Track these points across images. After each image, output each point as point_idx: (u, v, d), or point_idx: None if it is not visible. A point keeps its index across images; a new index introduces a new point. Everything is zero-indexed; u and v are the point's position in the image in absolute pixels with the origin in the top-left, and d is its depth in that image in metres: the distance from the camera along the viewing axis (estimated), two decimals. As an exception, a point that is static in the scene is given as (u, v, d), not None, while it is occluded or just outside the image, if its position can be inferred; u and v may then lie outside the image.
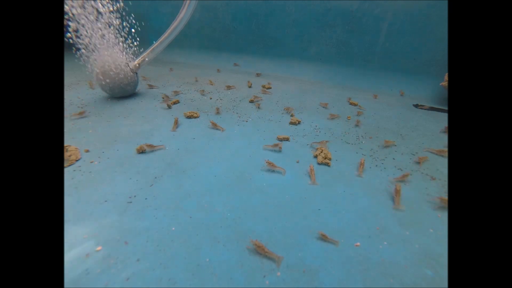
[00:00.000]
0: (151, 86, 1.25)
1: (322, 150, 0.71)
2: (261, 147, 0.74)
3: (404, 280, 0.38)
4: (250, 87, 1.28)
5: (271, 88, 1.32)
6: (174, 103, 1.05)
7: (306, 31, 1.60)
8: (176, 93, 1.18)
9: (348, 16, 1.46)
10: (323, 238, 0.43)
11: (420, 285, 0.38)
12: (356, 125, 0.92)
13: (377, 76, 1.49)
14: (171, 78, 1.43)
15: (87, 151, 0.67)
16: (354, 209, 0.52)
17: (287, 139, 0.78)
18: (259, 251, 0.40)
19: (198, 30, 1.88)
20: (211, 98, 1.14)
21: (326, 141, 0.77)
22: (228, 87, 1.28)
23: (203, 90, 1.21)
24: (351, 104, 1.14)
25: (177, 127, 0.84)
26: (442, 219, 0.51)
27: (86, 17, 0.87)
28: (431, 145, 0.80)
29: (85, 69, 1.03)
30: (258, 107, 1.04)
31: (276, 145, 0.72)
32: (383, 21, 1.39)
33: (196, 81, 1.39)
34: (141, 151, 0.67)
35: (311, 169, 0.61)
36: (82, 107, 0.95)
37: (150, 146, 0.69)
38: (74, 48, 0.92)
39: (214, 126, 0.83)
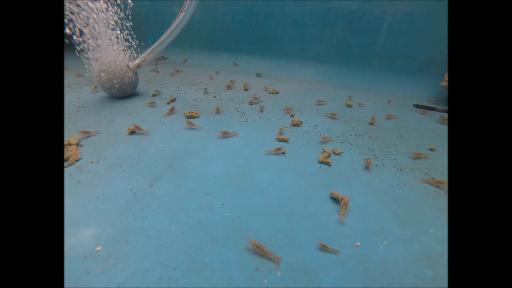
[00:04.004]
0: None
1: (325, 150, 0.71)
2: (261, 146, 0.74)
3: (404, 280, 0.38)
4: (246, 90, 1.27)
5: (277, 93, 1.27)
6: (172, 100, 1.05)
7: (306, 31, 1.60)
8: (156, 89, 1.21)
9: (348, 16, 1.46)
10: (324, 248, 0.42)
11: (420, 285, 0.38)
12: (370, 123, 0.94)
13: (377, 76, 1.49)
14: (172, 78, 1.43)
15: (82, 145, 0.69)
16: (354, 209, 0.52)
17: (285, 140, 0.78)
18: (258, 251, 0.40)
19: (198, 30, 1.88)
20: (214, 97, 1.14)
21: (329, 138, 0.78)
22: (228, 87, 1.28)
23: (205, 89, 1.22)
24: (347, 106, 1.13)
25: (169, 115, 0.90)
26: (442, 219, 0.51)
27: (87, 18, 0.87)
28: (431, 144, 0.80)
29: (86, 69, 1.03)
30: (260, 109, 1.04)
31: (278, 149, 0.71)
32: (383, 21, 1.39)
33: (195, 83, 1.39)
34: (225, 136, 0.78)
35: (344, 202, 0.51)
36: (83, 107, 0.95)
37: (225, 132, 0.77)
38: (75, 43, 0.91)
39: (191, 124, 0.83)
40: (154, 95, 1.11)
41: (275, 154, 0.70)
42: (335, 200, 0.54)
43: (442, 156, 0.75)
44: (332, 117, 0.98)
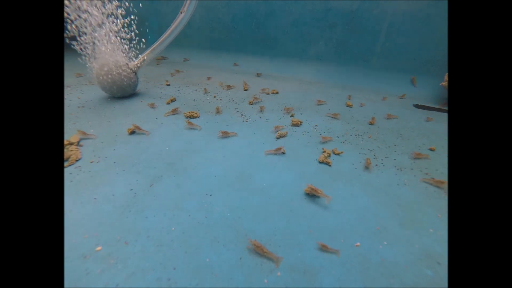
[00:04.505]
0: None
1: (325, 150, 0.71)
2: (260, 147, 0.74)
3: (404, 280, 0.38)
4: (246, 89, 1.27)
5: (277, 93, 1.26)
6: (172, 100, 1.06)
7: (306, 31, 1.60)
8: (167, 82, 1.27)
9: (348, 16, 1.46)
10: (324, 248, 0.42)
11: (420, 285, 0.38)
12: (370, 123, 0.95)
13: (377, 76, 1.49)
14: (172, 79, 1.44)
15: (82, 145, 0.69)
16: (354, 209, 0.52)
17: (284, 135, 0.80)
18: (258, 251, 0.40)
19: (198, 30, 1.88)
20: (214, 97, 1.14)
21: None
22: (228, 87, 1.28)
23: (205, 89, 1.22)
24: (347, 106, 1.13)
25: (170, 115, 0.92)
26: (442, 219, 0.51)
27: (87, 18, 0.87)
28: (431, 144, 0.80)
29: (86, 69, 1.03)
30: (260, 109, 1.04)
31: (278, 149, 0.70)
32: (383, 21, 1.39)
33: (198, 83, 1.40)
34: (225, 136, 0.78)
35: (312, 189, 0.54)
36: (83, 107, 0.95)
37: (225, 132, 0.78)
38: (70, 41, 0.90)
39: (191, 124, 0.83)
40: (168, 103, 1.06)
41: (275, 154, 0.70)
42: (312, 195, 0.54)
43: (442, 156, 0.75)
44: (332, 117, 0.98)
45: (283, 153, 0.71)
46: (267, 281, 0.37)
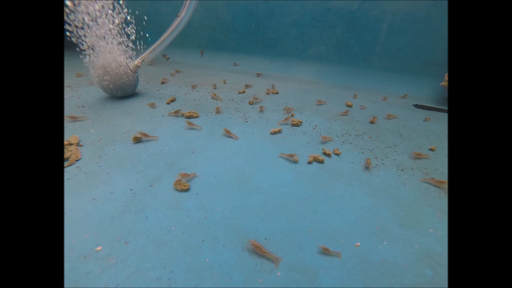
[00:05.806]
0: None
1: (325, 151, 0.71)
2: (260, 146, 0.74)
3: (404, 280, 0.38)
4: (246, 90, 1.27)
5: (277, 93, 1.26)
6: (172, 100, 1.05)
7: (306, 31, 1.60)
8: (165, 80, 1.30)
9: (348, 16, 1.46)
10: (325, 252, 0.42)
11: (420, 285, 0.38)
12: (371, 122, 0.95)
13: (377, 76, 1.49)
14: (172, 78, 1.43)
15: (82, 145, 0.69)
16: (354, 209, 0.52)
17: (279, 132, 0.81)
18: (257, 251, 0.40)
19: (198, 30, 1.88)
20: (215, 96, 1.14)
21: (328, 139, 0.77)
22: (228, 87, 1.28)
23: (205, 84, 1.22)
24: (347, 105, 1.13)
25: (171, 115, 0.92)
26: (442, 219, 0.51)
27: (87, 17, 0.87)
28: (431, 144, 0.80)
29: (85, 69, 1.03)
30: (260, 109, 1.04)
31: (291, 155, 0.67)
32: (383, 21, 1.39)
33: (194, 86, 1.40)
34: (225, 136, 0.78)
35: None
36: (83, 107, 0.95)
37: (228, 132, 0.77)
38: (73, 38, 0.90)
39: (191, 124, 0.83)
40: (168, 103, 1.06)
41: (287, 159, 0.68)
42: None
43: (442, 156, 0.75)
44: (332, 117, 0.98)
45: (296, 161, 0.67)
46: (266, 281, 0.37)
